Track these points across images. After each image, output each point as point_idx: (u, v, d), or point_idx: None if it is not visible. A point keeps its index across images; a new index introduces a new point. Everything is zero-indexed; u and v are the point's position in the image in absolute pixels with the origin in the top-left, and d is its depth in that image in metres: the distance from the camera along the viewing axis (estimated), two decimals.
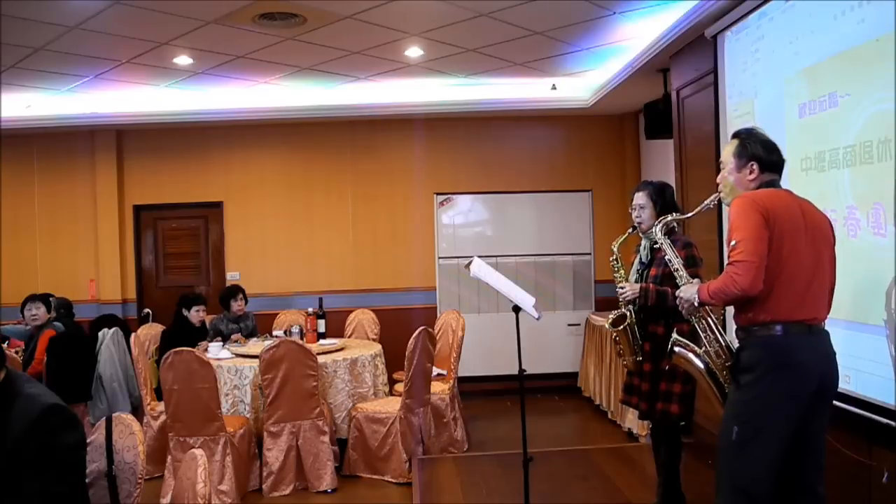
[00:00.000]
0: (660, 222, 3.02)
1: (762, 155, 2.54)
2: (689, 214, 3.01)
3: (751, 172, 2.55)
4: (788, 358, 2.42)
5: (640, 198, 3.46)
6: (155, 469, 4.64)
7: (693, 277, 3.14)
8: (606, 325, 3.51)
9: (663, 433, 3.48)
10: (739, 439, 2.46)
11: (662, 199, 3.40)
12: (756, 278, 2.37)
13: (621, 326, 3.39)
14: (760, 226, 2.39)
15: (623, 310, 3.43)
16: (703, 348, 2.68)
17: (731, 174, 2.61)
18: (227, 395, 4.74)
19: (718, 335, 2.66)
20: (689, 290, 2.64)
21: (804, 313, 2.44)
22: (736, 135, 2.65)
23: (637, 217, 3.46)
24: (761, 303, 2.44)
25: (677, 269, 2.81)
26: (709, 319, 2.67)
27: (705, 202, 2.87)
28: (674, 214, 3.12)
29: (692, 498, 3.45)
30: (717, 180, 2.72)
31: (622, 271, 3.52)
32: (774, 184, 2.57)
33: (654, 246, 3.44)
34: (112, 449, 2.22)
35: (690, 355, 2.71)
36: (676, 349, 2.76)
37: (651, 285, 3.33)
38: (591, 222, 7.48)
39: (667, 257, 2.89)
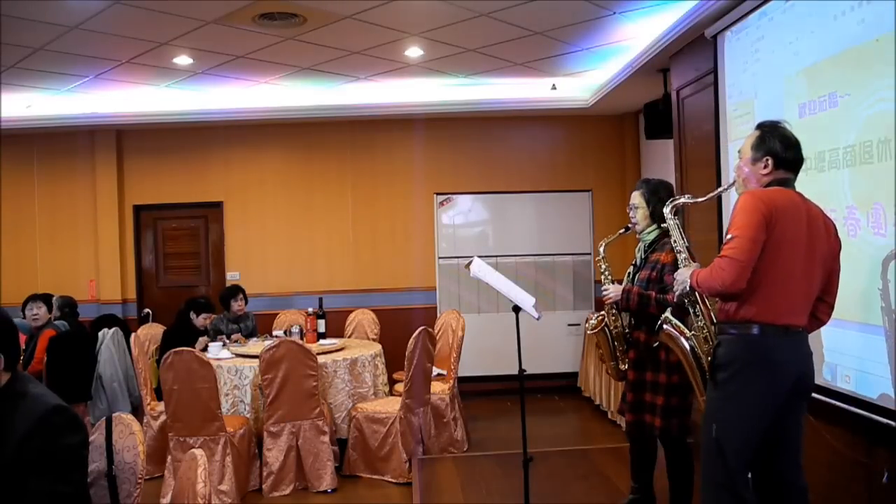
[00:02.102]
0: (670, 203, 2.91)
1: (779, 151, 2.51)
2: (699, 199, 2.95)
3: (765, 167, 2.53)
4: (764, 357, 2.44)
5: (634, 197, 3.40)
6: (155, 469, 4.64)
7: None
8: (587, 329, 3.47)
9: (664, 448, 3.39)
10: (717, 437, 2.50)
11: (656, 199, 3.30)
12: (739, 278, 2.38)
13: (598, 329, 3.35)
14: (759, 228, 2.39)
15: (603, 313, 3.39)
16: (693, 332, 2.68)
17: (746, 165, 2.58)
18: (227, 395, 4.74)
19: (710, 322, 2.66)
20: (684, 273, 2.64)
21: (785, 318, 2.46)
22: (759, 126, 2.61)
23: (632, 217, 3.41)
24: (745, 301, 2.45)
25: (680, 252, 2.78)
26: (702, 305, 2.67)
27: (718, 190, 2.87)
28: (686, 197, 2.98)
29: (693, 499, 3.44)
30: (734, 170, 2.70)
31: (608, 272, 3.48)
32: (788, 183, 2.54)
33: (648, 248, 3.40)
34: (112, 449, 2.22)
35: (678, 336, 2.71)
36: (665, 326, 2.76)
37: (635, 288, 3.25)
38: (591, 222, 7.48)
39: (672, 238, 2.84)
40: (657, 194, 3.32)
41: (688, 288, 2.59)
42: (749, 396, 2.44)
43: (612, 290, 3.32)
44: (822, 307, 2.59)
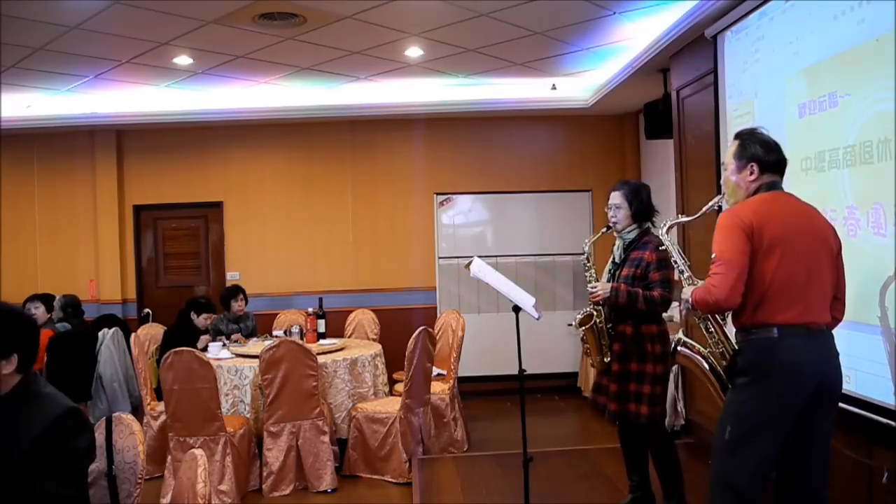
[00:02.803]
0: (665, 225, 3.00)
1: (761, 155, 2.55)
2: (693, 217, 2.99)
3: (751, 173, 2.56)
4: (783, 359, 2.42)
5: (615, 197, 3.50)
6: (155, 469, 4.64)
7: (663, 281, 3.25)
8: (573, 325, 3.53)
9: (648, 437, 3.47)
10: (732, 438, 2.48)
11: (638, 200, 3.43)
12: (732, 293, 2.40)
13: (587, 326, 3.40)
14: (741, 241, 2.42)
15: (590, 309, 3.44)
16: (709, 349, 2.69)
17: (732, 175, 2.62)
18: (227, 395, 4.74)
19: (723, 337, 2.66)
20: (686, 292, 2.64)
21: (801, 317, 2.44)
22: (737, 136, 2.67)
23: (612, 217, 3.49)
24: (755, 309, 2.45)
25: (682, 272, 2.80)
26: (712, 322, 2.67)
27: (709, 204, 2.87)
28: (682, 217, 3.14)
29: (692, 499, 3.44)
30: (721, 182, 2.73)
31: (593, 271, 3.54)
32: (775, 185, 2.57)
33: (627, 247, 3.48)
34: (112, 449, 2.23)
35: (696, 356, 2.71)
36: (680, 349, 2.76)
37: (622, 285, 3.34)
38: (591, 222, 7.48)
39: (672, 259, 2.89)
40: (639, 195, 3.45)
41: (690, 306, 2.59)
42: (767, 398, 2.42)
43: (601, 288, 3.39)
44: (835, 304, 2.57)
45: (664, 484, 3.45)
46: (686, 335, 2.81)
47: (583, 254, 3.59)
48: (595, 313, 3.43)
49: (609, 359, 3.44)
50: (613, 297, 3.33)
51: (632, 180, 3.60)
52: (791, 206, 2.53)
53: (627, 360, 3.38)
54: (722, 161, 2.73)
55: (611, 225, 3.52)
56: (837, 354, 2.51)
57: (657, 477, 3.49)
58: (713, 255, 2.47)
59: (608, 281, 3.46)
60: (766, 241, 2.42)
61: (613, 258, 3.56)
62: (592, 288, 3.42)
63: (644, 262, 3.34)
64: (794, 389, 2.41)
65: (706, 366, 2.69)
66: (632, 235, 3.47)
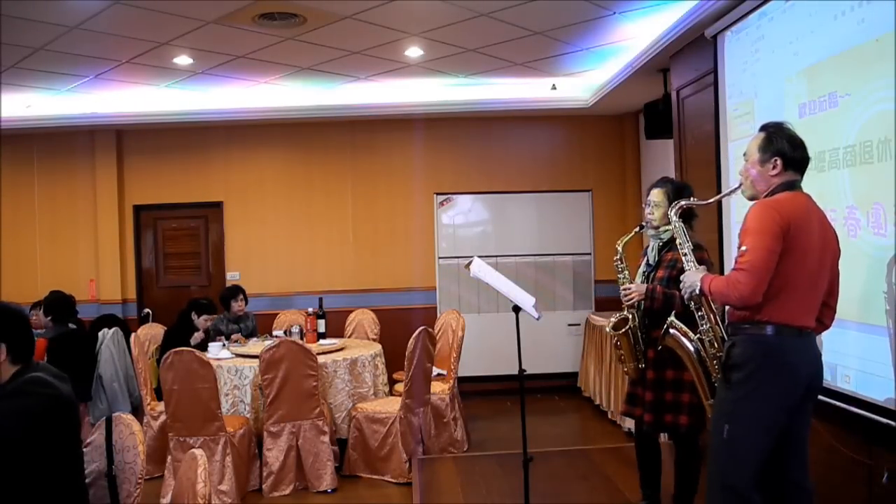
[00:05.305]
0: (674, 206, 2.89)
1: (787, 151, 2.50)
2: (708, 201, 2.94)
3: (773, 168, 2.51)
4: (780, 358, 2.43)
5: (656, 195, 3.35)
6: (155, 469, 4.64)
7: None
8: (608, 329, 3.40)
9: (681, 447, 3.36)
10: (730, 437, 2.48)
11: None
12: (757, 290, 2.37)
13: (623, 330, 3.29)
14: (776, 237, 2.37)
15: (626, 313, 3.33)
16: (698, 335, 2.68)
17: (753, 167, 2.56)
18: (227, 395, 4.74)
19: (715, 325, 2.66)
20: (693, 276, 2.62)
21: (799, 320, 2.46)
22: (763, 128, 2.61)
23: (650, 214, 3.36)
24: (761, 306, 2.44)
25: (686, 255, 2.78)
26: (707, 309, 2.67)
27: (724, 192, 2.85)
28: (691, 199, 2.99)
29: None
30: (739, 172, 2.68)
31: (627, 272, 3.41)
32: (795, 185, 2.53)
33: (662, 247, 3.36)
34: (112, 449, 2.23)
35: (684, 339, 2.71)
36: (671, 331, 2.76)
37: (658, 287, 3.23)
38: (591, 222, 7.48)
39: (678, 241, 2.84)
40: (681, 195, 3.23)
41: (697, 292, 2.57)
42: (765, 397, 2.43)
43: (636, 290, 3.27)
44: (826, 311, 2.58)
45: (680, 494, 3.36)
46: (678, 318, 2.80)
47: (616, 255, 3.44)
48: (630, 317, 3.31)
49: (643, 365, 3.31)
50: (649, 300, 3.22)
51: (675, 179, 3.40)
52: (811, 211, 2.50)
53: (663, 367, 3.23)
54: (743, 153, 2.67)
55: (646, 223, 3.39)
56: (820, 355, 2.57)
57: (673, 483, 3.38)
58: (743, 248, 2.41)
59: (642, 283, 3.33)
60: (796, 243, 2.40)
61: (647, 260, 3.43)
62: (626, 289, 3.30)
63: (679, 264, 3.15)
64: (791, 389, 2.44)
65: (691, 348, 2.68)
66: (668, 235, 3.31)
